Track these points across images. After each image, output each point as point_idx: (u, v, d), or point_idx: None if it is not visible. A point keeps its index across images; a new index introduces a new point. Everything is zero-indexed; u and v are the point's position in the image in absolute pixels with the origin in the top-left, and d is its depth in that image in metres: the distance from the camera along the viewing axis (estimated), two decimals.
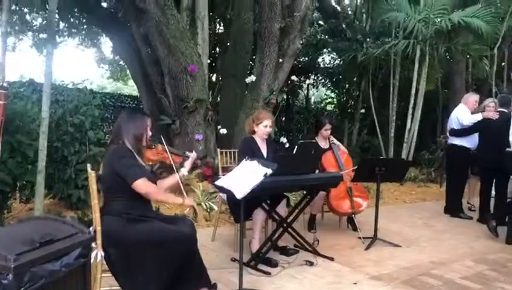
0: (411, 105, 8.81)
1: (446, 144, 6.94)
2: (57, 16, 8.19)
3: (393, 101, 9.36)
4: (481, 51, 9.08)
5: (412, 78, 8.86)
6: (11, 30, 10.59)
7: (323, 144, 5.12)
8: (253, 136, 4.23)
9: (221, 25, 11.03)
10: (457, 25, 7.93)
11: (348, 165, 4.99)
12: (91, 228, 2.52)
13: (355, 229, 4.98)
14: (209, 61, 8.57)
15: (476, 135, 5.87)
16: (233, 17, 8.94)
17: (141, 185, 2.68)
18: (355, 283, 3.50)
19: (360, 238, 4.65)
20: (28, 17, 10.91)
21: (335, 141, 5.16)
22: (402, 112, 10.24)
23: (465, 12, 8.14)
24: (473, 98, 6.07)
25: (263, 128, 4.13)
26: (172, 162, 2.99)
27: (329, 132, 5.08)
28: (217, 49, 10.77)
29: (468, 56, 9.61)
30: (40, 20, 11.05)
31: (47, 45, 4.71)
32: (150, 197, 2.80)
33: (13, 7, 9.44)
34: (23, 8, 10.14)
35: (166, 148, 3.01)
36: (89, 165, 2.75)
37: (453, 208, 6.17)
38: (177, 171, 3.01)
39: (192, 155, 3.18)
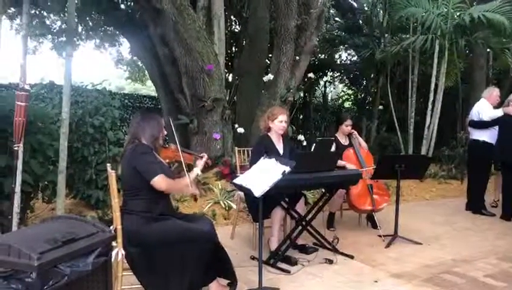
0: (430, 101, 8.68)
1: (467, 139, 6.82)
2: (75, 18, 8.30)
3: (412, 97, 9.24)
4: (502, 44, 8.88)
5: (430, 73, 8.73)
6: (31, 34, 10.77)
7: (344, 141, 5.08)
8: (269, 133, 4.19)
9: (238, 23, 11.03)
10: (477, 20, 7.77)
11: (369, 162, 4.95)
12: (111, 227, 2.56)
13: (374, 226, 4.94)
14: (225, 60, 8.58)
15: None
16: (249, 16, 8.94)
17: (160, 181, 2.71)
18: (376, 281, 3.47)
19: (380, 236, 4.61)
20: (47, 20, 11.07)
21: (358, 136, 5.12)
22: (421, 108, 10.11)
23: (484, 7, 7.97)
24: (496, 92, 5.97)
25: (279, 123, 4.09)
26: (183, 160, 3.05)
27: (349, 127, 5.03)
28: (234, 48, 10.79)
29: (488, 50, 9.42)
30: (59, 23, 11.20)
31: (66, 47, 4.78)
32: (170, 192, 2.85)
33: (33, 11, 9.61)
34: (42, 12, 10.31)
35: (179, 147, 3.06)
36: (108, 165, 2.78)
37: (475, 205, 6.06)
38: (188, 171, 3.05)
39: (204, 156, 3.23)
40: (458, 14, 8.15)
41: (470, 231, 5.15)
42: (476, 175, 6.10)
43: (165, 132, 3.02)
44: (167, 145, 3.08)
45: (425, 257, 4.10)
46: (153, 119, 2.95)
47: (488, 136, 5.85)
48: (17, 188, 3.47)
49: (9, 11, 9.50)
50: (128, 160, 2.80)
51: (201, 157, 3.21)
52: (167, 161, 3.09)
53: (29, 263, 1.80)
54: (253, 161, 3.67)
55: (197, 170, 3.13)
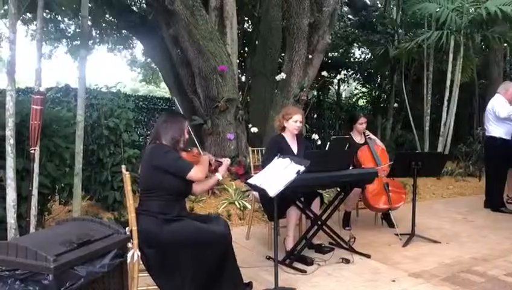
0: (446, 97, 8.55)
1: (484, 136, 6.71)
2: (89, 22, 8.40)
3: (427, 94, 9.11)
4: None
5: (446, 69, 8.61)
6: (46, 38, 10.92)
7: (359, 139, 5.03)
8: (283, 133, 4.16)
9: (250, 23, 11.03)
10: (493, 14, 7.60)
11: (384, 160, 4.89)
12: (127, 229, 2.56)
13: (391, 225, 4.89)
14: (238, 60, 8.59)
15: None
16: (262, 15, 8.92)
17: (196, 172, 2.80)
18: (393, 281, 3.42)
19: (397, 234, 4.55)
20: (62, 25, 11.22)
21: (371, 135, 5.07)
22: (437, 105, 9.97)
23: (501, 0, 7.81)
24: None
25: (293, 123, 4.06)
26: (212, 164, 3.12)
27: (364, 126, 4.99)
28: (246, 48, 10.79)
29: (505, 44, 9.25)
30: (73, 27, 11.34)
31: (80, 50, 4.82)
32: (201, 185, 3.02)
33: (48, 16, 9.73)
34: (57, 16, 10.44)
35: (201, 152, 3.08)
36: (123, 167, 2.79)
37: (494, 202, 5.96)
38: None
39: (226, 161, 3.23)
40: (474, 8, 8.01)
41: (489, 229, 5.05)
42: (494, 172, 6.00)
43: (187, 136, 3.02)
44: (189, 149, 3.09)
45: (444, 255, 4.04)
46: (176, 122, 2.95)
47: (505, 132, 5.75)
48: (34, 191, 3.52)
49: (24, 16, 9.64)
50: (148, 159, 2.83)
51: (222, 162, 3.23)
52: None
53: (46, 265, 1.81)
54: (266, 160, 3.66)
55: (218, 175, 3.15)
